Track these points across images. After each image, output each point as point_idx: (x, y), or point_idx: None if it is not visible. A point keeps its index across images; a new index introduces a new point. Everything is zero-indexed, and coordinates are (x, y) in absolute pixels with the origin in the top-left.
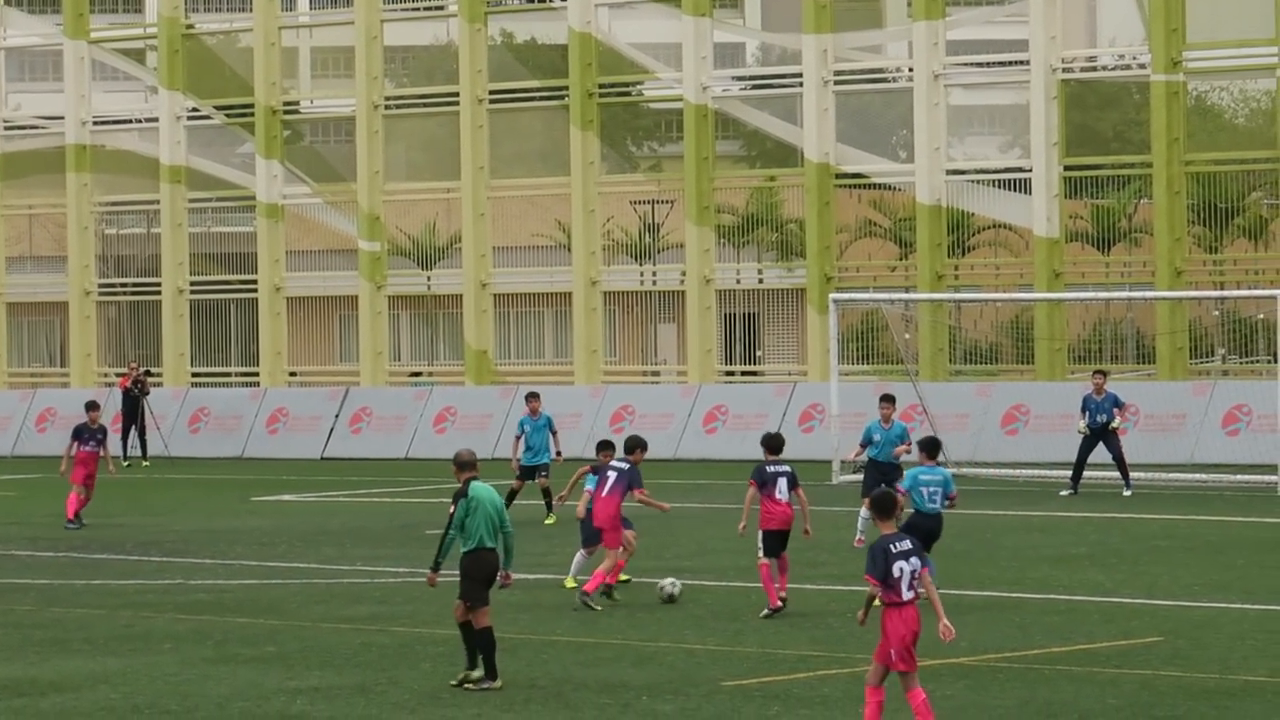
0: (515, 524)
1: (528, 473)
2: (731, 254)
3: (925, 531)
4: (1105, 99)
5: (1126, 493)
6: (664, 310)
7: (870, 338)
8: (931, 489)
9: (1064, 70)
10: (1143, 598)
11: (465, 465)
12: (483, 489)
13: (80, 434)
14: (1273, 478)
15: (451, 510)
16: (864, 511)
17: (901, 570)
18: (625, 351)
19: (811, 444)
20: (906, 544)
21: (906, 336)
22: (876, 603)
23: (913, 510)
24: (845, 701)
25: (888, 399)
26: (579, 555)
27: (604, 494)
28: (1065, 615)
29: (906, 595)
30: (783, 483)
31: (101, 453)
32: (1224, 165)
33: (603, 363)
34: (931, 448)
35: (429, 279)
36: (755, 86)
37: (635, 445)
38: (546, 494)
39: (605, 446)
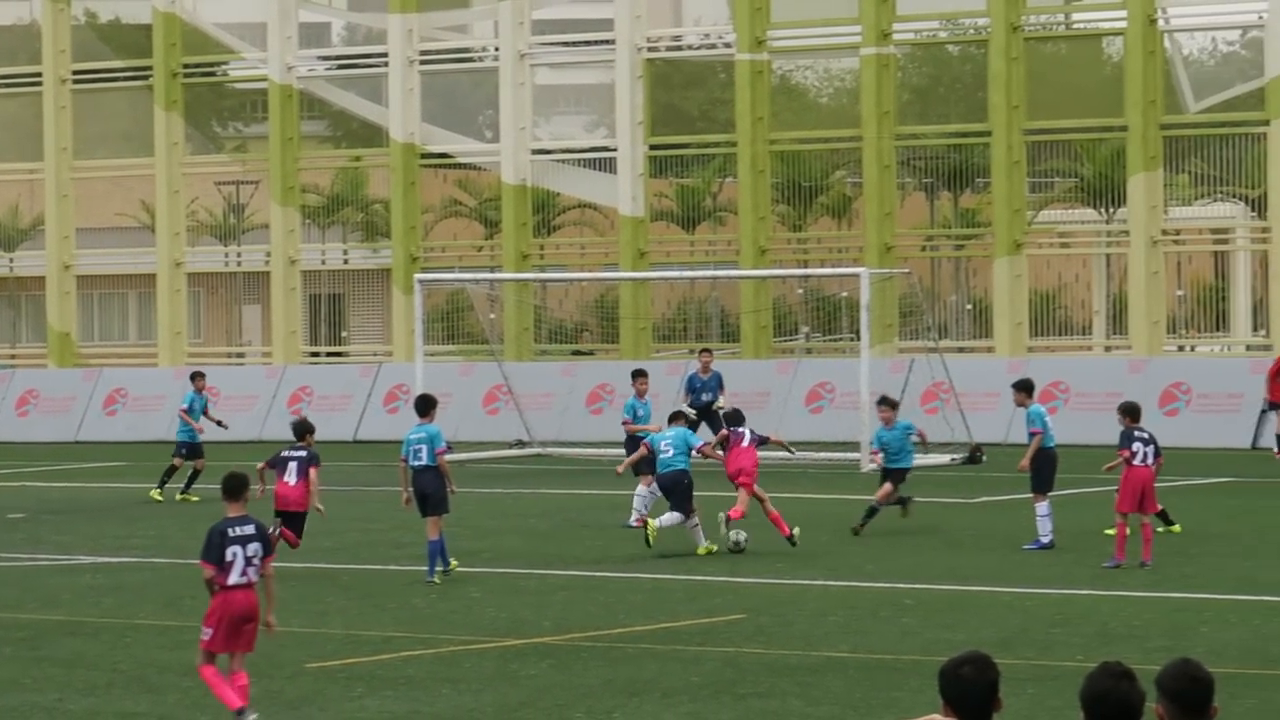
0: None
1: (194, 451)
2: (317, 234)
3: (422, 487)
4: (690, 78)
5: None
6: (249, 291)
7: (456, 318)
8: (417, 446)
9: (649, 49)
10: (726, 576)
11: None
12: None
13: None
14: (855, 455)
15: None
16: (641, 489)
17: (236, 554)
18: (210, 333)
19: (397, 425)
20: (249, 529)
21: (492, 316)
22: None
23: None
24: (430, 682)
25: (641, 374)
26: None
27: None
28: (650, 593)
29: (238, 579)
30: (293, 466)
31: None
32: (808, 144)
33: (187, 344)
34: (423, 406)
35: (11, 261)
36: (341, 66)
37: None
38: (172, 472)
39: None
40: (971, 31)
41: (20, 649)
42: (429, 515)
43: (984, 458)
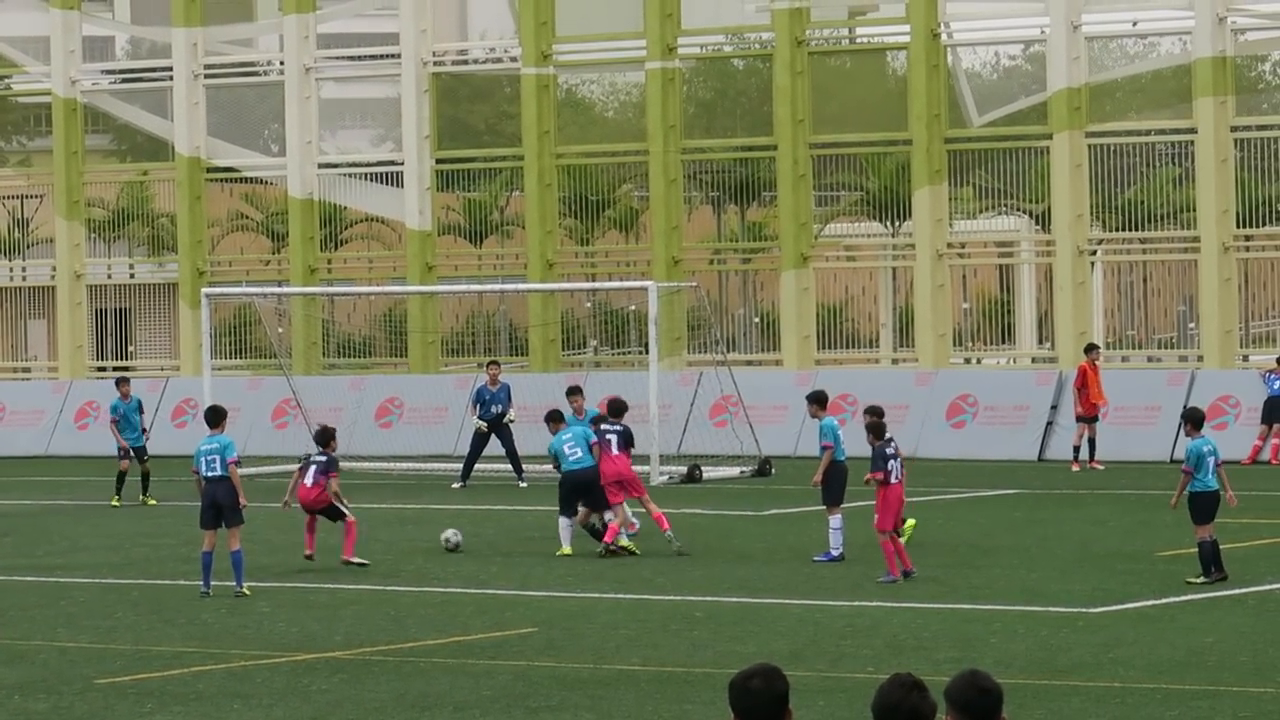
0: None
1: (140, 454)
2: (102, 248)
3: (218, 498)
4: (477, 92)
5: (522, 484)
6: (34, 306)
7: (244, 332)
8: (210, 457)
9: (435, 63)
10: (517, 589)
11: None
12: None
13: None
14: (644, 468)
15: None
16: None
17: None
18: None
19: (185, 439)
20: None
21: (280, 330)
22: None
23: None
24: (220, 697)
25: (576, 390)
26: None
27: (614, 453)
28: (440, 607)
29: None
30: (312, 470)
31: None
32: (595, 158)
33: None
34: (214, 417)
35: None
36: (125, 80)
37: (624, 408)
38: (146, 478)
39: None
40: (756, 46)
41: None
42: (228, 526)
43: (773, 470)
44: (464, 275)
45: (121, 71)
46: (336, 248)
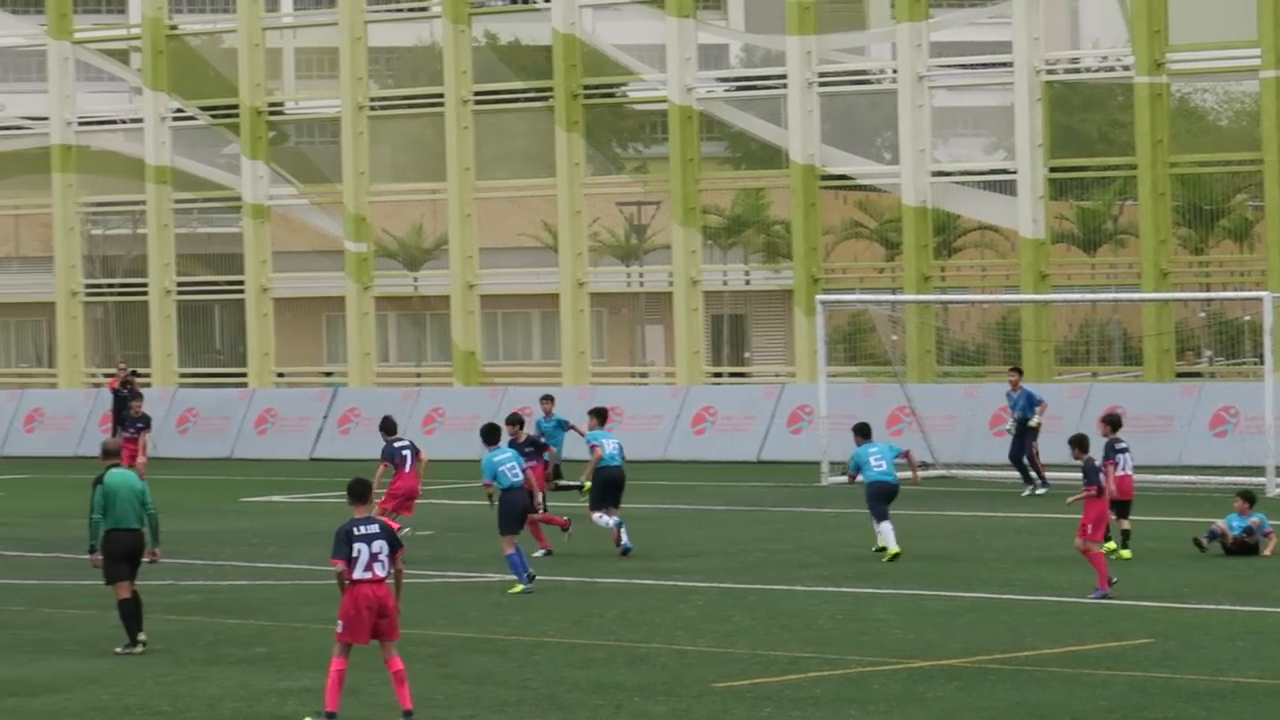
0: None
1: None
2: (718, 255)
3: (523, 505)
4: (1089, 100)
5: (1040, 492)
6: (651, 311)
7: (858, 339)
8: (508, 466)
9: (1047, 72)
10: (1132, 599)
11: (108, 453)
12: (119, 475)
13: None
14: (1260, 479)
15: (93, 496)
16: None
17: (361, 551)
18: (613, 353)
19: (800, 445)
20: (374, 528)
21: (894, 338)
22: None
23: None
24: (836, 703)
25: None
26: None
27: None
28: (1055, 617)
29: (362, 574)
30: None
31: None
32: (1208, 167)
33: (590, 364)
34: (495, 434)
35: (416, 280)
36: (739, 88)
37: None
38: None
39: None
40: None
41: (429, 665)
42: (516, 531)
43: None
44: (1077, 284)
45: (736, 79)
46: (949, 256)
